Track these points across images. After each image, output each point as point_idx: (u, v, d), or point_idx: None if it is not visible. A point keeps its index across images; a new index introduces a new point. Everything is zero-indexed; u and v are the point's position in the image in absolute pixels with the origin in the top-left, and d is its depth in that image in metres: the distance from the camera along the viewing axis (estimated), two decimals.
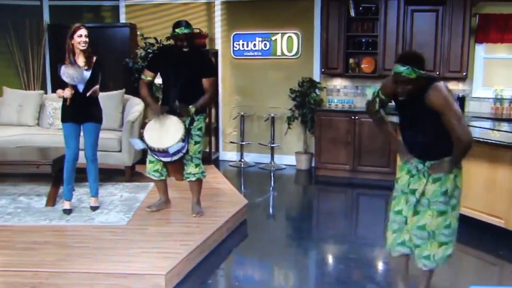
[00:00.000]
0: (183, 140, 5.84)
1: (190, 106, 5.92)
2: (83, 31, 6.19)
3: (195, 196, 6.50)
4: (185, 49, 5.95)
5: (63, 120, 6.39)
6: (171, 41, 6.33)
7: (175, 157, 5.99)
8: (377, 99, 4.31)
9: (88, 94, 6.16)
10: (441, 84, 3.93)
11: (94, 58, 6.33)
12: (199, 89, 6.07)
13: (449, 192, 4.15)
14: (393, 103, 4.35)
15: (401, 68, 3.85)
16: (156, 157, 6.12)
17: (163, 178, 6.47)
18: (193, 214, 6.40)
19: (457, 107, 3.92)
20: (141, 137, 6.05)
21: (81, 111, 6.30)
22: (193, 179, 6.30)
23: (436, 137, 4.07)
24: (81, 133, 6.46)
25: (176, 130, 5.86)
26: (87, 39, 6.20)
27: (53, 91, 6.48)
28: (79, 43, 6.17)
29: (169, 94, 6.10)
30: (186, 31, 5.90)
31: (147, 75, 6.27)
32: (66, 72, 6.01)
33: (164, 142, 5.82)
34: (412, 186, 4.26)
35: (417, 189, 4.22)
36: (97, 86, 6.28)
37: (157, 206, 6.62)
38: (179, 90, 6.00)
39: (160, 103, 6.43)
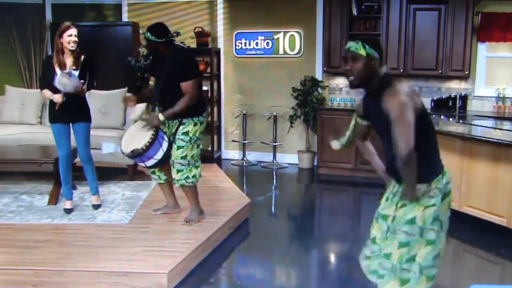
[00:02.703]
0: (140, 153, 5.68)
1: (159, 115, 5.75)
2: (73, 31, 6.05)
3: (189, 202, 6.25)
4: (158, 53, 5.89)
5: (52, 121, 6.33)
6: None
7: (148, 163, 5.89)
8: (352, 133, 3.95)
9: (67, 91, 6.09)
10: (400, 85, 3.33)
11: (82, 57, 6.23)
12: (180, 92, 5.79)
13: (418, 221, 3.45)
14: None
15: (350, 43, 3.44)
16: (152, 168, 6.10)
17: (161, 181, 6.33)
18: (183, 220, 6.20)
19: (410, 116, 3.21)
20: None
21: (69, 111, 6.22)
22: (177, 184, 6.04)
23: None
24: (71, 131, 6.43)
25: (142, 138, 5.71)
26: (76, 39, 6.08)
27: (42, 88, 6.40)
28: (68, 43, 6.05)
29: (154, 96, 5.96)
30: (147, 35, 5.80)
31: (151, 80, 6.17)
32: (61, 81, 5.93)
33: (128, 147, 5.74)
34: (385, 212, 3.66)
35: (389, 215, 3.60)
36: (84, 86, 6.19)
37: (161, 211, 6.50)
38: (160, 92, 5.84)
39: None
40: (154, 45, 5.80)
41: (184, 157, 5.89)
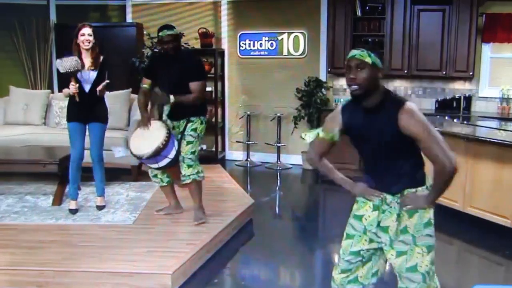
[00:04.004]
0: (161, 148, 5.70)
1: (171, 96, 5.76)
2: (86, 30, 6.14)
3: (195, 200, 6.25)
4: (171, 52, 5.84)
5: (69, 119, 6.38)
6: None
7: (162, 164, 5.90)
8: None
9: (98, 89, 6.16)
10: (412, 104, 3.25)
11: (101, 58, 6.30)
12: (188, 93, 5.90)
13: (432, 220, 3.44)
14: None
15: (354, 51, 3.25)
16: (144, 164, 6.04)
17: (164, 184, 6.33)
18: (194, 221, 6.15)
19: (436, 131, 3.24)
20: (128, 144, 5.92)
21: (86, 111, 6.28)
22: (188, 180, 6.07)
23: (409, 164, 3.40)
24: (87, 133, 6.46)
25: (156, 138, 5.75)
26: (90, 38, 6.14)
27: (60, 90, 6.49)
28: (82, 42, 6.13)
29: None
30: (169, 32, 5.81)
31: (144, 83, 6.14)
32: (61, 64, 5.97)
33: (142, 149, 5.75)
34: (384, 223, 3.48)
35: (389, 225, 3.45)
36: (107, 81, 6.26)
37: (165, 211, 6.50)
38: (169, 93, 5.81)
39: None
40: (176, 39, 5.90)
41: (193, 153, 6.01)
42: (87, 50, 6.18)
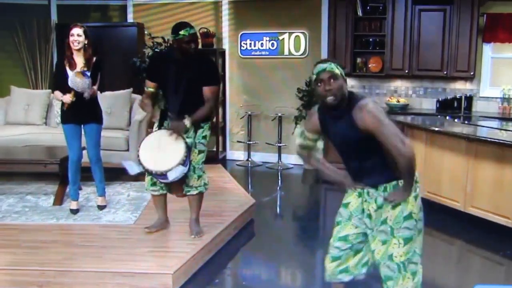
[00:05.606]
0: (183, 162, 5.20)
1: (185, 120, 5.27)
2: (75, 30, 6.08)
3: (194, 212, 5.82)
4: (192, 53, 5.30)
5: (63, 121, 6.35)
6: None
7: (179, 177, 5.35)
8: (306, 141, 3.93)
9: (85, 96, 6.07)
10: (366, 101, 3.49)
11: (94, 59, 6.24)
12: (202, 98, 5.41)
13: (413, 215, 3.67)
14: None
15: (323, 65, 3.51)
16: (154, 179, 5.59)
17: (163, 192, 5.80)
18: (191, 235, 5.72)
19: (391, 122, 3.48)
20: (138, 158, 5.34)
21: (81, 112, 6.21)
22: (195, 192, 5.65)
23: (383, 160, 3.61)
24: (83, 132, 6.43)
25: (175, 149, 5.21)
26: (79, 39, 6.07)
27: (53, 91, 6.45)
28: (72, 42, 6.09)
29: (170, 103, 5.50)
30: (192, 31, 5.25)
31: (148, 86, 5.57)
32: (74, 81, 5.95)
33: (163, 164, 5.16)
34: (366, 211, 3.80)
35: (370, 213, 3.77)
36: (95, 88, 6.20)
37: (156, 227, 6.02)
38: (180, 98, 5.36)
39: (159, 113, 5.73)
40: (197, 39, 5.40)
41: (203, 162, 5.65)
42: (77, 50, 6.13)
